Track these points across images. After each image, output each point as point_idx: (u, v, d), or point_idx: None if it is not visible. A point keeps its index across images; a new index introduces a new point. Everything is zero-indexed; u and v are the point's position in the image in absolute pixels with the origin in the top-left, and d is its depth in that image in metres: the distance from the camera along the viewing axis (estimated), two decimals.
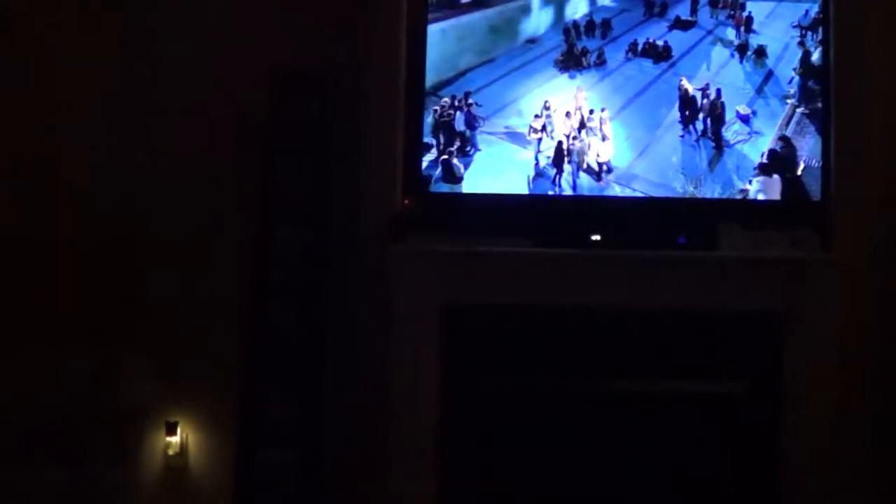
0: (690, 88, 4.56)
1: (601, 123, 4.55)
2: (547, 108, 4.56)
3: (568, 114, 4.57)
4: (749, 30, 4.58)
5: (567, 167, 4.54)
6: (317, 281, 4.57)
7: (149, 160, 4.66)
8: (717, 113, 4.52)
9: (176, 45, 4.69)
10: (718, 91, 4.53)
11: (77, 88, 4.68)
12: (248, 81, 4.64)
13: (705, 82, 4.55)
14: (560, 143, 4.54)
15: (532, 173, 4.56)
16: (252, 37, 4.66)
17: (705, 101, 4.53)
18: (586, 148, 4.55)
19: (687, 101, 4.55)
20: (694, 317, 4.47)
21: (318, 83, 4.58)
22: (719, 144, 4.52)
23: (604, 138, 4.54)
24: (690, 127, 4.54)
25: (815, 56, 4.53)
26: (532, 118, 4.57)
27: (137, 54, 4.68)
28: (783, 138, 4.52)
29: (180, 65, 4.68)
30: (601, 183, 4.54)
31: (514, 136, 4.59)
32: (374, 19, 4.55)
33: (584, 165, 4.55)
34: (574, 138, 4.54)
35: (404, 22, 4.57)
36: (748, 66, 4.57)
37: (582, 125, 4.56)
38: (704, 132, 4.53)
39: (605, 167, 4.54)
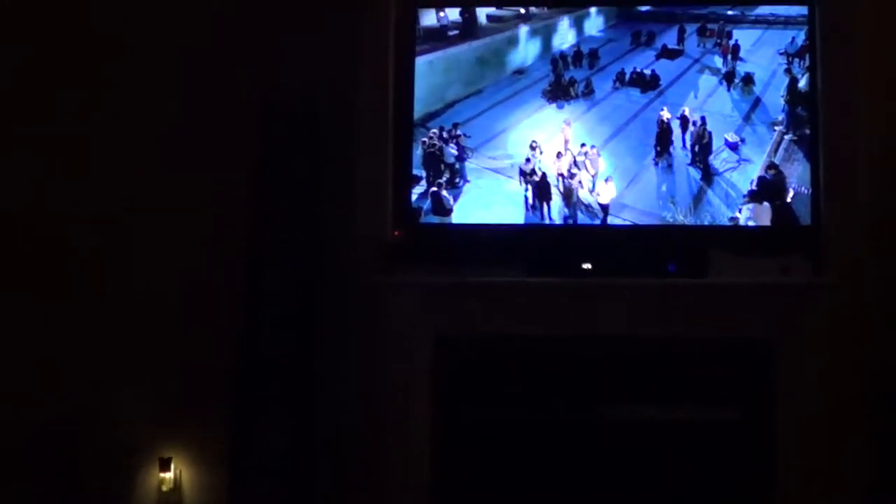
0: (665, 116, 4.57)
1: (586, 157, 4.57)
2: (533, 149, 4.58)
3: (559, 154, 4.59)
4: (736, 58, 4.59)
5: (556, 199, 4.56)
6: (309, 315, 4.56)
7: (140, 190, 4.69)
8: (703, 142, 4.52)
9: (169, 73, 4.71)
10: (703, 119, 4.53)
11: (73, 105, 4.72)
12: (239, 113, 4.65)
13: (681, 111, 4.56)
14: (544, 174, 4.56)
15: (523, 210, 4.59)
16: (243, 70, 4.68)
17: (693, 128, 4.54)
18: (578, 185, 4.56)
19: (665, 131, 4.56)
20: (685, 344, 4.47)
21: (308, 117, 4.58)
22: (707, 173, 4.53)
23: (606, 179, 4.56)
24: (668, 155, 4.55)
25: (802, 83, 4.54)
26: (523, 161, 4.58)
27: (128, 80, 4.71)
28: (772, 165, 4.52)
29: (174, 94, 4.71)
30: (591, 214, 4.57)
31: (503, 168, 4.61)
32: (362, 52, 4.58)
33: (574, 199, 4.56)
34: (570, 177, 4.56)
35: (392, 54, 4.60)
36: (735, 93, 4.59)
37: (575, 164, 4.58)
38: (694, 161, 4.54)
39: (606, 208, 4.57)
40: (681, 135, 4.55)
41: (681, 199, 4.53)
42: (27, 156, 4.70)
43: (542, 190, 4.57)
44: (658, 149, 4.55)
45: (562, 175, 4.57)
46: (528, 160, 4.58)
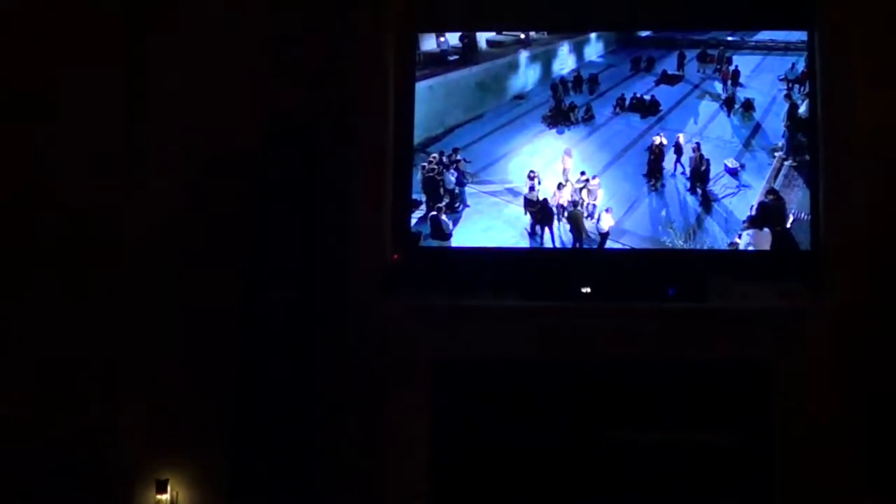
0: (657, 141, 4.59)
1: (587, 185, 4.58)
2: (532, 178, 4.59)
3: (560, 185, 4.60)
4: (736, 83, 4.60)
5: (558, 226, 4.58)
6: (307, 336, 4.55)
7: (137, 219, 4.68)
8: (702, 168, 4.52)
9: (171, 102, 4.71)
10: (698, 145, 4.55)
11: (76, 138, 4.69)
12: (238, 139, 4.66)
13: (676, 137, 4.57)
14: (545, 200, 4.57)
15: (522, 235, 4.61)
16: (242, 95, 4.68)
17: (693, 153, 4.54)
18: (582, 211, 4.58)
19: (657, 157, 4.57)
20: (685, 367, 4.47)
21: (307, 139, 4.58)
22: (706, 198, 4.53)
23: (606, 209, 4.57)
24: (661, 181, 4.56)
25: (802, 109, 4.54)
26: (524, 188, 4.60)
27: (135, 108, 4.71)
28: (772, 191, 4.52)
29: (174, 122, 4.70)
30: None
31: (502, 192, 4.62)
32: (362, 76, 4.59)
33: (583, 235, 4.58)
34: (572, 206, 4.58)
35: (392, 79, 4.61)
36: (736, 119, 4.59)
37: (577, 193, 4.60)
38: (692, 187, 4.54)
39: (605, 234, 4.58)
40: (675, 160, 4.55)
41: (679, 225, 4.53)
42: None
43: (543, 216, 4.58)
44: (651, 174, 4.56)
45: (562, 206, 4.58)
46: (531, 188, 4.59)
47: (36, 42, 4.68)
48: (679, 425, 4.49)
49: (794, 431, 4.39)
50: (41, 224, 4.63)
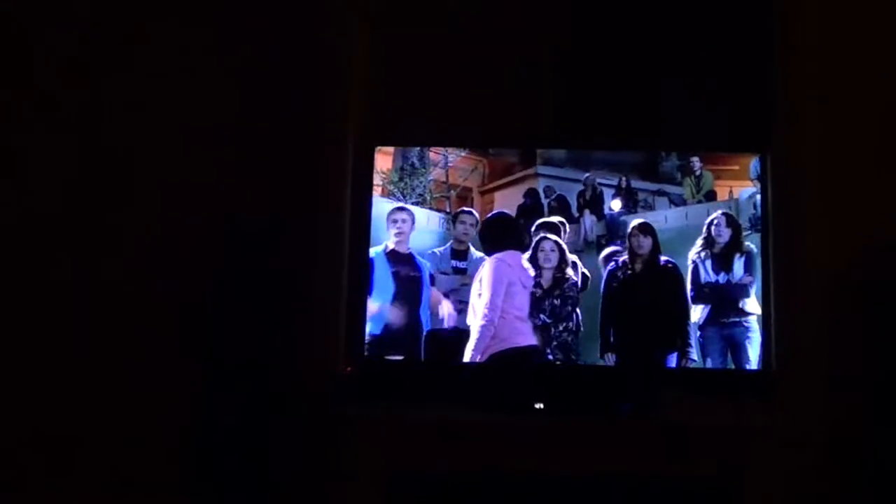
0: None
1: None
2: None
3: None
4: None
5: None
6: (258, 446, 4.48)
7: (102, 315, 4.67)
8: None
9: (127, 197, 4.73)
10: None
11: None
12: (194, 240, 4.66)
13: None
14: None
15: None
16: (201, 197, 4.71)
17: None
18: None
19: None
20: (638, 484, 4.42)
21: (266, 241, 4.59)
22: None
23: None
24: None
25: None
26: None
27: (87, 216, 4.73)
28: None
29: (132, 218, 4.72)
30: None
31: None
32: (321, 182, 4.63)
33: None
34: None
35: (349, 186, 4.66)
36: None
37: None
38: None
39: None
40: None
41: None
42: None
43: None
44: None
45: None
46: None
47: None
48: None
49: None
50: None
